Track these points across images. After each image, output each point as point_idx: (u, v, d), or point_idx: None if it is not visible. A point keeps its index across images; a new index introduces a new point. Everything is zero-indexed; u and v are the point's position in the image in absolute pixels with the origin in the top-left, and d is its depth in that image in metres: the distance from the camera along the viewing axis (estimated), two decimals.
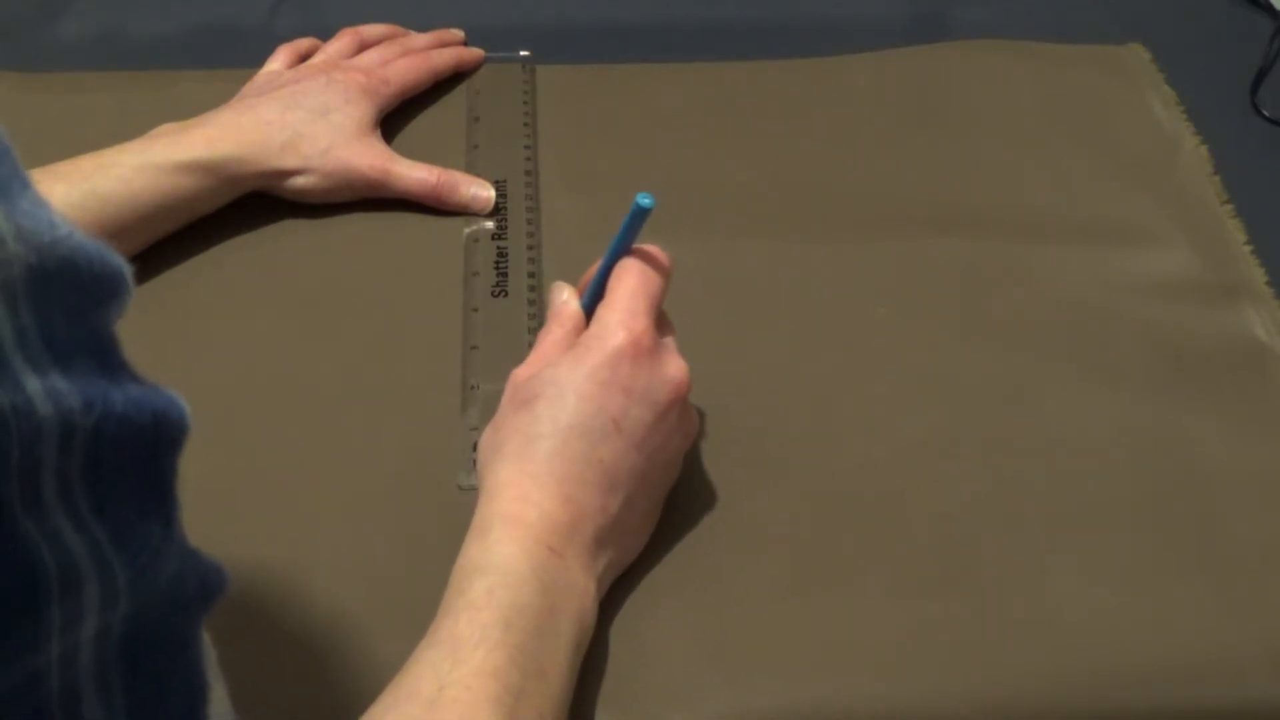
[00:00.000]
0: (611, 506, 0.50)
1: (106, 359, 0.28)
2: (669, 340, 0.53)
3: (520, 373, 0.52)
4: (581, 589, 0.48)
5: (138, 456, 0.29)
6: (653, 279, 0.53)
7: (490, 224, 0.67)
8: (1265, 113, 0.76)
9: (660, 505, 0.54)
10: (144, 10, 0.80)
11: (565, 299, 0.55)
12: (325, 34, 0.74)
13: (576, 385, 0.50)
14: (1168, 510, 0.56)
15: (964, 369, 0.61)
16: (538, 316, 0.63)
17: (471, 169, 0.69)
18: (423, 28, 0.77)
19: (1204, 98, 0.76)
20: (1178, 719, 0.50)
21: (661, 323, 0.53)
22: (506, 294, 0.64)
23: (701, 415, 0.57)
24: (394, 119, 0.71)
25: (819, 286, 0.65)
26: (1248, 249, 0.67)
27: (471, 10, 0.80)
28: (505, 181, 0.69)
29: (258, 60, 0.71)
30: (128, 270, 0.29)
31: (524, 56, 0.77)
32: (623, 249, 0.53)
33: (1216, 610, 0.53)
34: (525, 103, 0.74)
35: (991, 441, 0.58)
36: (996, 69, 0.77)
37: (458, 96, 0.75)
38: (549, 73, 0.76)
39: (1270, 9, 0.83)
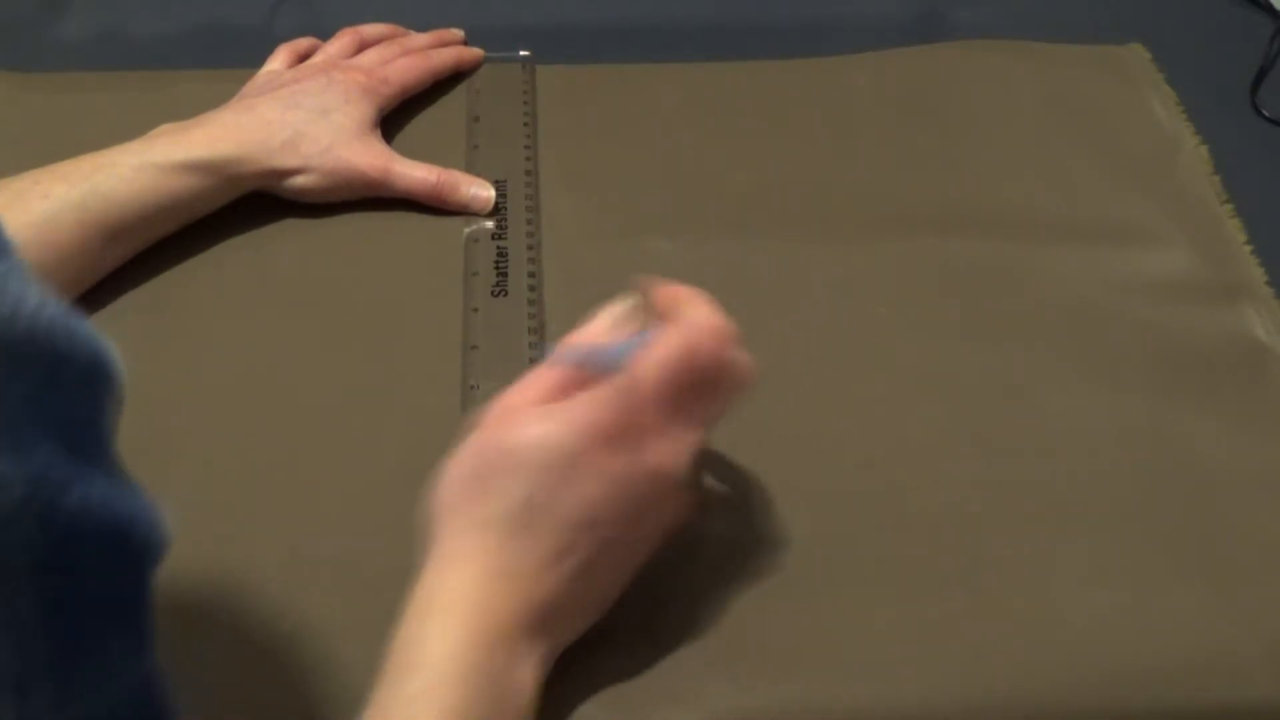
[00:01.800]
0: (562, 593, 0.46)
1: (77, 448, 0.26)
2: (680, 431, 0.47)
3: (496, 410, 0.47)
4: (519, 686, 0.45)
5: (91, 561, 0.26)
6: (698, 359, 0.46)
7: (490, 224, 0.67)
8: (1265, 113, 0.76)
9: (625, 579, 0.49)
10: (144, 10, 0.80)
11: (579, 342, 0.49)
12: (325, 34, 0.74)
13: (545, 459, 0.45)
14: (1168, 510, 0.56)
15: (964, 369, 0.61)
16: (538, 316, 0.63)
17: (471, 169, 0.69)
18: (423, 28, 0.77)
19: (1204, 98, 0.76)
20: (1178, 719, 0.50)
21: (697, 412, 0.47)
22: (506, 294, 0.64)
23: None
24: (394, 119, 0.71)
25: (819, 286, 0.65)
26: (1248, 249, 0.67)
27: (471, 10, 0.80)
28: (505, 181, 0.69)
29: (258, 60, 0.71)
30: (112, 355, 0.27)
31: (524, 56, 0.77)
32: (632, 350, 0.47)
33: (1216, 610, 0.53)
34: (525, 103, 0.74)
35: (991, 441, 0.58)
36: (996, 69, 0.77)
37: (458, 96, 0.75)
38: (549, 73, 0.76)
39: (1270, 9, 0.83)
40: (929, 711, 0.50)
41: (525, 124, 0.72)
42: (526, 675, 0.45)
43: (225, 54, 0.76)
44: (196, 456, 0.57)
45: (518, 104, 0.74)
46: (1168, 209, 0.69)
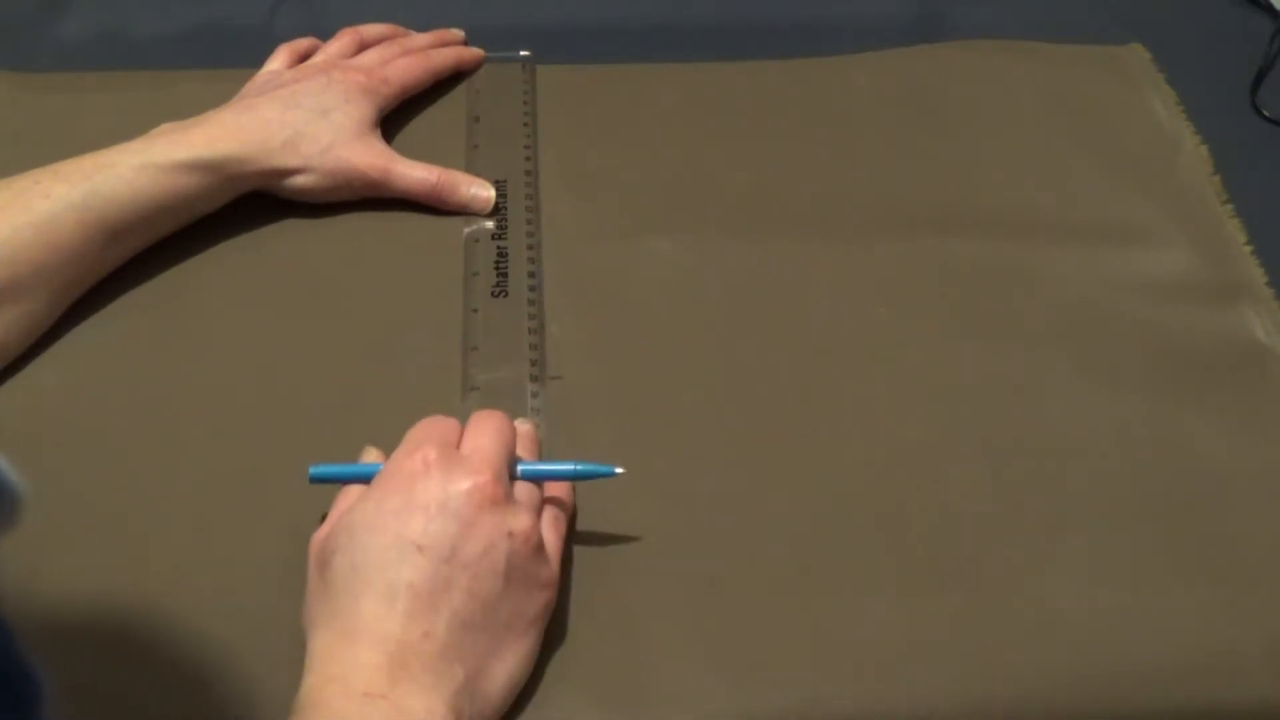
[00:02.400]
0: (436, 628, 0.46)
1: None
2: (471, 458, 0.50)
3: (317, 536, 0.50)
4: (421, 717, 0.45)
5: None
6: (444, 430, 0.51)
7: (490, 224, 0.67)
8: (1265, 113, 0.76)
9: (515, 606, 0.49)
10: (144, 10, 0.80)
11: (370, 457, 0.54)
12: (325, 34, 0.74)
13: (367, 521, 0.48)
14: (1168, 510, 0.56)
15: (964, 369, 0.61)
16: (538, 317, 0.63)
17: (471, 169, 0.69)
18: (423, 28, 0.77)
19: (1204, 98, 0.76)
20: (1178, 719, 0.50)
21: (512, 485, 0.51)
22: (506, 294, 0.64)
23: (701, 411, 0.57)
24: (394, 119, 0.71)
25: (819, 286, 0.65)
26: (1248, 249, 0.67)
27: (471, 10, 0.80)
28: (505, 181, 0.69)
29: (258, 60, 0.71)
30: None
31: (524, 56, 0.77)
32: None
33: (1217, 610, 0.53)
34: (525, 103, 0.74)
35: (991, 441, 0.58)
36: (996, 69, 0.77)
37: (458, 96, 0.75)
38: (549, 73, 0.76)
39: (1270, 9, 0.83)
40: (929, 711, 0.50)
41: (525, 124, 0.73)
42: (435, 705, 0.45)
43: (225, 54, 0.76)
44: (196, 456, 0.57)
45: (518, 104, 0.74)
46: (1168, 209, 0.69)
